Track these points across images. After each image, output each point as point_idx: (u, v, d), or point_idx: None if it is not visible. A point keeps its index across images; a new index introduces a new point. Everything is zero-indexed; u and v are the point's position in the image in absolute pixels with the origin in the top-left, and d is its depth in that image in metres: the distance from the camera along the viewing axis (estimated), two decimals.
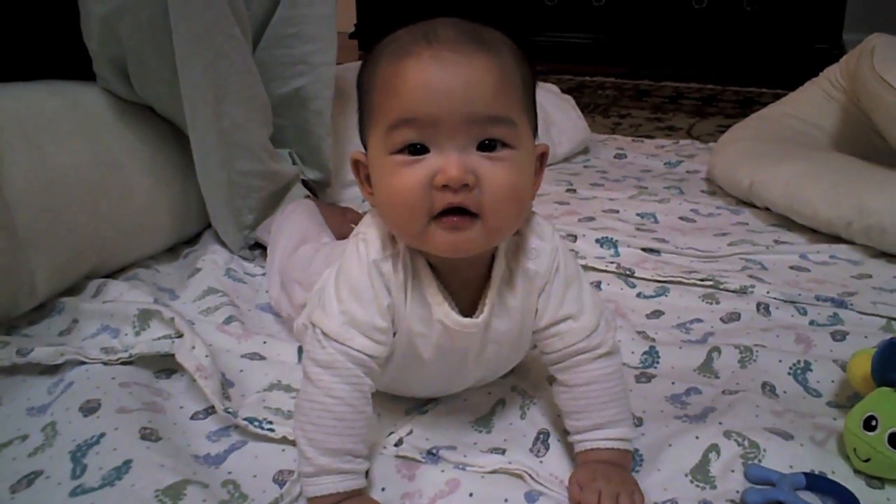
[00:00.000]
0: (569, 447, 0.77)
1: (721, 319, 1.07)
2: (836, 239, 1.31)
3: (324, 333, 0.70)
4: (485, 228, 0.65)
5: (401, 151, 0.64)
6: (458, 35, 0.65)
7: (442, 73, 0.62)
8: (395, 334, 0.73)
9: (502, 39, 0.68)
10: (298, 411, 0.71)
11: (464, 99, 0.62)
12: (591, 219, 1.41)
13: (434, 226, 0.65)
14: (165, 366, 0.91)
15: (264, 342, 0.97)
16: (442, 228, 0.65)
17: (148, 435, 0.77)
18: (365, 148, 0.71)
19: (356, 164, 0.72)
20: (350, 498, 0.70)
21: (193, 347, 0.88)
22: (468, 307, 0.73)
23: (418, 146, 0.64)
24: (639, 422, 0.82)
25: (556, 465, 0.76)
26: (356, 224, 1.22)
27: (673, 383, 0.90)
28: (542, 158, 0.72)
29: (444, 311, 0.71)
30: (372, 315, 0.70)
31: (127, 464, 0.73)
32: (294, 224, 1.13)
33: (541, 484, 0.73)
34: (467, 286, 0.73)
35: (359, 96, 0.71)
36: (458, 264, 0.70)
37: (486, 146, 0.64)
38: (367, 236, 0.71)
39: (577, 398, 0.75)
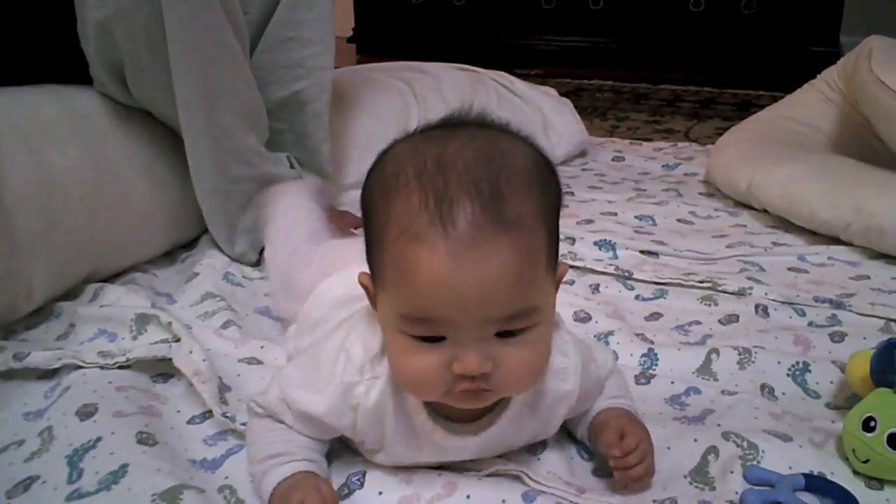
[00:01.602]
0: (568, 444, 0.78)
1: (719, 321, 1.06)
2: (834, 240, 1.31)
3: (265, 395, 0.72)
4: (501, 394, 0.66)
5: (414, 336, 0.61)
6: (475, 216, 0.58)
7: (457, 274, 0.57)
8: (362, 442, 0.72)
9: (526, 186, 0.61)
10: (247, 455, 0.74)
11: (481, 303, 0.58)
12: (590, 221, 1.41)
13: (448, 396, 0.63)
14: (162, 370, 0.90)
15: (262, 347, 0.96)
16: (456, 398, 0.63)
17: (145, 439, 0.77)
18: (371, 268, 0.66)
19: (365, 286, 0.67)
20: (299, 478, 0.68)
21: (191, 352, 0.87)
22: (472, 416, 0.70)
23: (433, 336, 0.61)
24: None
25: (554, 463, 0.76)
26: (355, 229, 1.21)
27: (672, 383, 0.90)
28: (559, 279, 0.67)
29: (439, 436, 0.69)
30: (311, 420, 0.69)
31: (123, 468, 0.73)
32: (288, 221, 1.09)
33: (539, 483, 0.72)
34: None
35: (365, 224, 0.66)
36: None
37: (506, 333, 0.61)
38: (352, 352, 0.69)
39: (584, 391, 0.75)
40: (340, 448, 0.76)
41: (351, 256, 0.77)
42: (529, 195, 0.61)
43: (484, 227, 0.58)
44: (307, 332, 0.86)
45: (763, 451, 0.75)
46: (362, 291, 0.67)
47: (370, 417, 0.69)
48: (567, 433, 0.80)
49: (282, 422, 0.71)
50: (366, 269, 0.67)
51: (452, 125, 0.64)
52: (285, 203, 1.11)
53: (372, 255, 0.65)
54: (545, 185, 0.63)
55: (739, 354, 0.94)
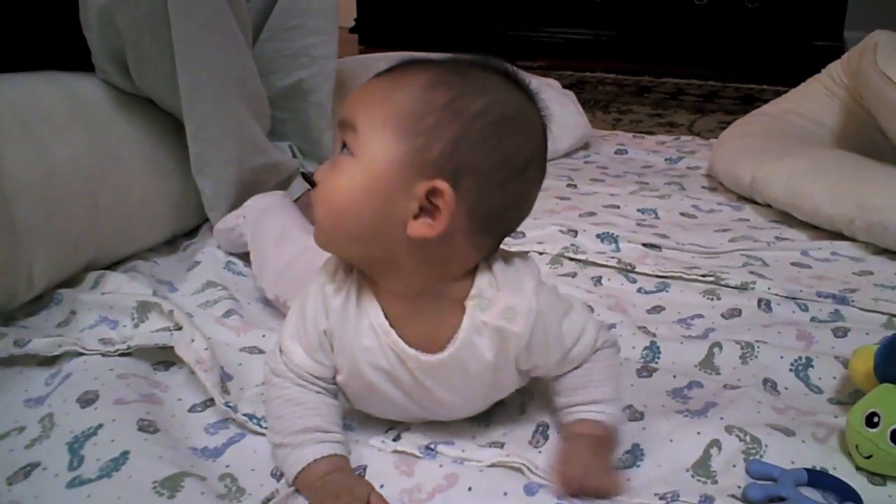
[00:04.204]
0: None
1: (722, 315, 1.06)
2: (837, 235, 1.31)
3: (279, 345, 0.75)
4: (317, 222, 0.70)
5: None
6: (400, 67, 0.70)
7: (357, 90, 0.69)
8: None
9: (425, 75, 0.68)
10: (266, 416, 0.77)
11: (347, 106, 0.69)
12: (592, 214, 1.41)
13: None
14: (163, 358, 0.90)
15: (263, 336, 0.96)
16: None
17: (146, 427, 0.77)
18: None
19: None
20: (334, 472, 0.70)
21: (193, 340, 0.87)
22: (432, 350, 0.72)
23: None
24: (640, 416, 0.82)
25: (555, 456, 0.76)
26: None
27: (674, 377, 0.90)
28: (432, 194, 0.65)
29: (393, 340, 0.71)
30: (311, 335, 0.73)
31: (124, 455, 0.73)
32: (272, 221, 1.10)
33: (540, 476, 0.72)
34: (433, 331, 0.71)
35: None
36: (416, 306, 0.70)
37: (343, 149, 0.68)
38: (329, 260, 0.74)
39: (576, 376, 0.76)
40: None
41: None
42: (422, 81, 0.67)
43: (389, 72, 0.69)
44: None
45: (766, 446, 0.75)
46: None
47: (336, 316, 0.72)
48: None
49: (292, 368, 0.74)
50: None
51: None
52: (257, 203, 1.14)
53: None
54: (432, 92, 0.66)
55: (742, 349, 0.94)
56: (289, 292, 0.98)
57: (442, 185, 0.64)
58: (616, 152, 1.86)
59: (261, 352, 0.93)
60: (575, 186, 1.57)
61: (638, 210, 1.45)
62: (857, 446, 0.74)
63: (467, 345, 0.71)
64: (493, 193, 0.67)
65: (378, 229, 0.67)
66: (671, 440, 0.77)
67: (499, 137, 0.66)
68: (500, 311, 0.70)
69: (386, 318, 0.71)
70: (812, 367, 0.91)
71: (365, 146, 0.66)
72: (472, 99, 0.66)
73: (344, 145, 0.68)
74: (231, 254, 1.18)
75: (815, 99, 1.67)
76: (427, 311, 0.71)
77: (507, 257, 0.73)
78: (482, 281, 0.70)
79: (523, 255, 0.74)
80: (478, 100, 0.66)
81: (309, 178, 1.34)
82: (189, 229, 1.28)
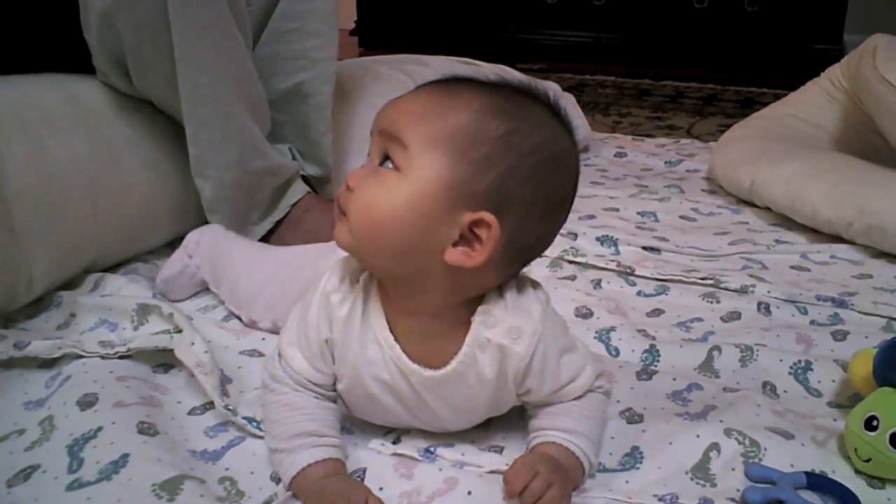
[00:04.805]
0: None
1: (721, 318, 1.06)
2: (836, 239, 1.31)
3: (278, 350, 0.75)
4: (349, 227, 0.67)
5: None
6: (445, 82, 0.69)
7: (394, 100, 0.70)
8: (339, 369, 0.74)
9: (475, 99, 0.67)
10: (263, 421, 0.78)
11: (386, 118, 0.69)
12: (592, 217, 1.41)
13: None
14: (163, 360, 0.90)
15: (263, 339, 0.97)
16: None
17: (145, 429, 0.77)
18: None
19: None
20: (329, 476, 0.70)
21: (192, 343, 0.87)
22: (433, 364, 0.71)
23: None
24: (639, 418, 0.82)
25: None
26: None
27: (674, 380, 0.90)
28: (481, 226, 0.65)
29: (396, 355, 0.71)
30: (312, 343, 0.73)
31: (124, 458, 0.73)
32: (233, 249, 1.08)
33: None
34: (436, 345, 0.71)
35: None
36: (419, 318, 0.70)
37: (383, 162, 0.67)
38: (336, 267, 0.74)
39: (560, 405, 0.75)
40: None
41: None
42: (474, 104, 0.66)
43: (434, 86, 0.69)
44: None
45: (765, 449, 0.75)
46: None
47: (340, 326, 0.71)
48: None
49: (291, 375, 0.74)
50: None
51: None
52: (203, 238, 1.10)
53: None
54: (483, 117, 0.66)
55: (741, 352, 0.94)
56: (265, 315, 0.98)
57: (490, 218, 0.64)
58: (615, 155, 1.86)
59: (260, 355, 0.93)
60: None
61: (637, 213, 1.46)
62: (856, 450, 0.74)
63: (470, 360, 0.71)
64: (531, 228, 0.68)
65: (414, 249, 0.66)
66: (670, 443, 0.77)
67: (546, 175, 0.67)
68: (505, 329, 0.70)
69: (391, 331, 0.71)
70: (811, 370, 0.91)
71: (414, 164, 0.65)
72: (526, 134, 0.66)
73: (386, 157, 0.66)
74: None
75: (815, 102, 1.67)
76: (433, 326, 0.71)
77: (520, 282, 0.73)
78: (491, 300, 0.70)
79: (535, 282, 0.74)
80: (531, 136, 0.66)
81: (310, 182, 1.34)
82: (188, 231, 1.27)
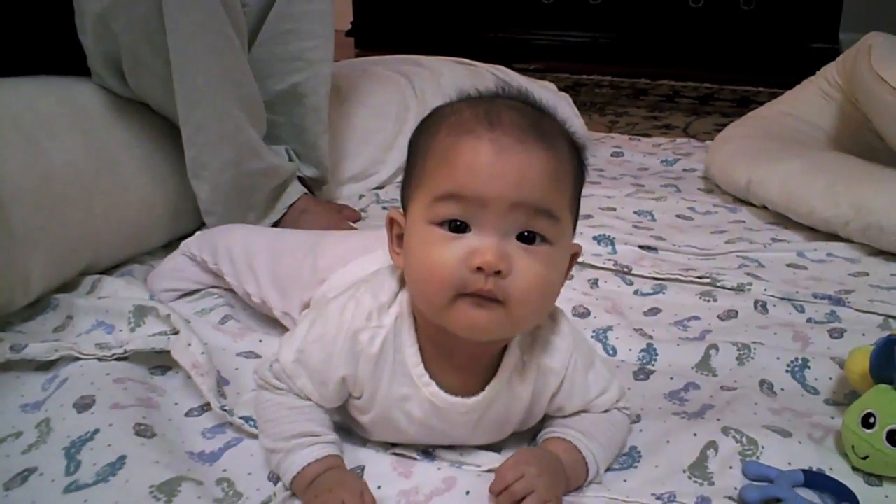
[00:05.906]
0: None
1: (718, 317, 1.06)
2: (833, 237, 1.31)
3: (278, 361, 0.73)
4: (507, 315, 0.63)
5: (441, 224, 0.63)
6: (519, 121, 0.63)
7: (498, 157, 0.61)
8: (359, 397, 0.72)
9: (561, 131, 0.67)
10: (257, 419, 0.76)
11: (515, 185, 0.61)
12: (589, 216, 1.41)
13: (460, 302, 0.63)
14: (160, 362, 0.90)
15: (260, 341, 0.96)
16: (467, 304, 0.62)
17: (142, 431, 0.77)
18: (404, 209, 0.69)
19: (391, 223, 0.69)
20: (329, 470, 0.70)
21: (189, 344, 0.87)
22: (466, 390, 0.71)
23: (459, 223, 0.62)
24: (637, 418, 0.82)
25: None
26: (353, 222, 1.20)
27: (671, 379, 0.90)
28: (573, 258, 0.69)
29: (432, 392, 0.70)
30: (324, 372, 0.71)
31: (121, 460, 0.73)
32: (248, 235, 1.05)
33: None
34: (470, 372, 0.71)
35: (409, 159, 0.69)
36: (454, 350, 0.69)
37: (526, 238, 0.63)
38: (361, 299, 0.71)
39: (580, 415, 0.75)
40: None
41: (361, 247, 0.86)
42: (563, 139, 0.66)
43: (525, 130, 0.63)
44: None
45: (762, 447, 0.75)
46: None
47: (371, 364, 0.70)
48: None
49: (292, 388, 0.73)
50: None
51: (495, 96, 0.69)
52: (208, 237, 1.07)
53: (412, 171, 0.68)
54: (576, 149, 0.68)
55: (738, 350, 0.94)
56: (280, 300, 0.96)
57: (580, 249, 0.70)
58: (612, 155, 1.86)
59: (257, 356, 0.93)
60: None
61: (634, 212, 1.46)
62: (853, 447, 0.75)
63: (506, 383, 0.71)
64: None
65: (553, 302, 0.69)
66: (668, 441, 0.77)
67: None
68: (540, 346, 0.71)
69: (423, 362, 0.70)
70: (808, 368, 0.91)
71: (564, 234, 0.65)
72: (576, 165, 0.68)
73: (531, 232, 0.63)
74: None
75: (811, 101, 1.67)
76: (472, 355, 0.70)
77: None
78: None
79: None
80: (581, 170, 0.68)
81: (306, 183, 1.34)
82: (185, 233, 1.27)
